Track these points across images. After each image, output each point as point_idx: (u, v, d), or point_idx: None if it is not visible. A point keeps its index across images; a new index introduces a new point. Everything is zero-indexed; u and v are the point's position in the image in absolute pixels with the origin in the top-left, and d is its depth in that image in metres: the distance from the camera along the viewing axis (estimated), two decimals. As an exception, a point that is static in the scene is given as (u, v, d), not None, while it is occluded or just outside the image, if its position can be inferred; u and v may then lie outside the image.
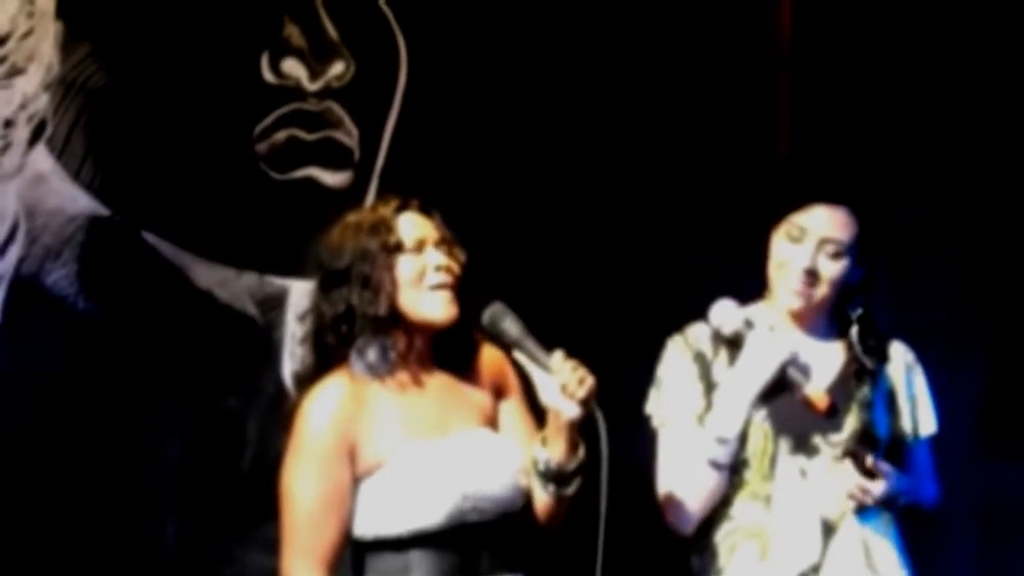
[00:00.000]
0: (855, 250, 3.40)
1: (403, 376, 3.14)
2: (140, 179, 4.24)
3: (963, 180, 4.73)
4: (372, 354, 3.10)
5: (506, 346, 3.16)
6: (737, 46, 4.73)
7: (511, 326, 3.12)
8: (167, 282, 4.25)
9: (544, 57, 4.54)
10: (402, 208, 3.18)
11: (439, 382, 3.18)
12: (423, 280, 3.12)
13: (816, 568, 3.31)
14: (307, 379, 3.16)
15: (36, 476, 4.11)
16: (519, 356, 3.13)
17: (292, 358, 4.33)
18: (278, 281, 4.35)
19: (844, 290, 3.42)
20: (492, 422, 3.23)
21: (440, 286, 3.12)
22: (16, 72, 4.17)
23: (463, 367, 3.22)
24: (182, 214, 4.27)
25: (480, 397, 3.23)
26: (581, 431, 3.09)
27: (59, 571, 4.12)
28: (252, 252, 4.32)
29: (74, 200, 4.19)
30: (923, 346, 3.57)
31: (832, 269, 3.39)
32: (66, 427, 4.13)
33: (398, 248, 3.12)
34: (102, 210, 4.21)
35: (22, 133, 4.17)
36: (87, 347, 4.16)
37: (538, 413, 3.20)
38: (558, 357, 3.07)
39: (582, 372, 3.05)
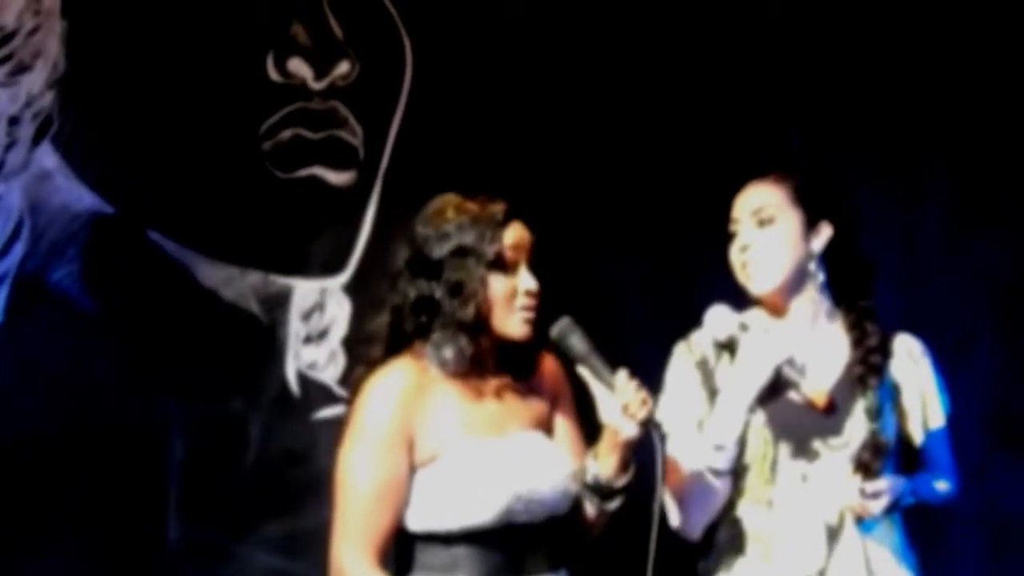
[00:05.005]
0: (798, 210, 3.30)
1: (468, 374, 3.12)
2: (145, 177, 4.24)
3: (979, 165, 4.65)
4: (448, 352, 3.08)
5: (571, 360, 3.17)
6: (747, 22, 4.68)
7: (578, 342, 3.14)
8: (171, 280, 4.25)
9: (549, 55, 4.52)
10: (510, 216, 3.16)
11: (500, 384, 3.18)
12: (513, 302, 3.12)
13: (821, 573, 3.28)
14: (375, 358, 3.13)
15: (40, 474, 4.11)
16: (583, 371, 3.14)
17: (296, 357, 4.32)
18: (282, 280, 4.34)
19: (821, 258, 3.33)
20: (547, 428, 3.23)
21: (528, 309, 3.12)
22: (22, 69, 4.17)
23: (524, 372, 3.22)
24: (187, 212, 4.27)
25: (537, 403, 3.23)
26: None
27: (62, 569, 4.11)
28: (257, 251, 4.32)
29: (79, 198, 4.19)
30: (931, 343, 3.51)
31: (766, 237, 3.30)
32: (69, 425, 4.13)
33: (497, 263, 3.10)
34: (107, 208, 4.21)
35: (27, 130, 4.17)
36: (91, 345, 4.16)
37: (588, 424, 3.21)
38: (622, 376, 3.09)
39: (644, 393, 3.07)
